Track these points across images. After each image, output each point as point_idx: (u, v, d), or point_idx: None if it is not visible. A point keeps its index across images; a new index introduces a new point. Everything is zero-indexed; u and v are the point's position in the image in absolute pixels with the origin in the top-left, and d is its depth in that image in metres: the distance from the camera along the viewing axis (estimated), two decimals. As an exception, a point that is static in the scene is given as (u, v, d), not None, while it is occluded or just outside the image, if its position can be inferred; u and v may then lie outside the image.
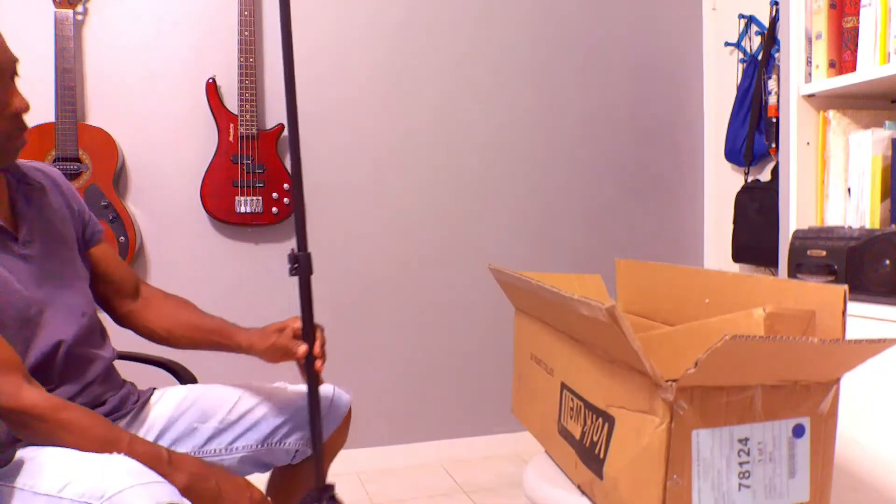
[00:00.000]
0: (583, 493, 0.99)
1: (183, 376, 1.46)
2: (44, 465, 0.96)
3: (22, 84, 2.17)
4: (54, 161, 2.12)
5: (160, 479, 0.93)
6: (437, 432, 2.62)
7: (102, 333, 1.27)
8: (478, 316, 2.65)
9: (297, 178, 1.19)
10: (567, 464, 1.04)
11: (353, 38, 2.48)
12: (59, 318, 1.13)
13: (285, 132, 2.42)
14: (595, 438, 0.92)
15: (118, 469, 0.92)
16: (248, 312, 2.38)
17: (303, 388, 1.27)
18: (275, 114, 2.41)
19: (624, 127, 2.80)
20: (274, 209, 2.33)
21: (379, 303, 2.54)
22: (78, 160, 2.15)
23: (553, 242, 2.73)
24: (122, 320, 1.35)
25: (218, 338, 1.31)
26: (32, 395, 0.98)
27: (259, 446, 1.30)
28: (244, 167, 2.29)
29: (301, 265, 1.19)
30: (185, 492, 0.95)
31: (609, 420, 0.88)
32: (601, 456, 0.89)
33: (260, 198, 2.31)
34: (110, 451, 0.96)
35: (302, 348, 1.21)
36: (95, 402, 1.20)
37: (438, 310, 2.60)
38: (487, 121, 2.64)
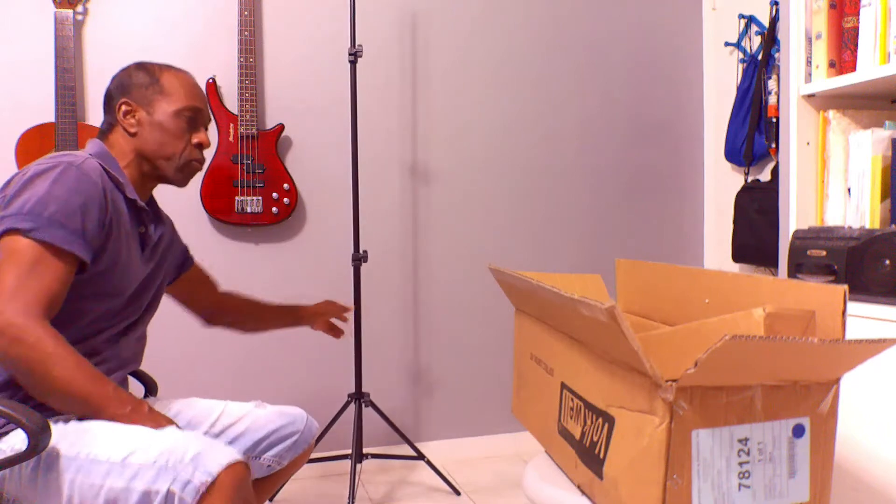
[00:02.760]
0: (583, 493, 0.99)
1: (148, 383, 1.53)
2: (98, 435, 1.05)
3: (22, 84, 2.18)
4: (54, 161, 2.13)
5: (223, 443, 1.05)
6: (438, 432, 2.62)
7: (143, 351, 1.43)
8: (478, 316, 2.65)
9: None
10: (567, 464, 1.04)
11: (360, 37, 2.48)
12: (136, 322, 1.34)
13: (285, 132, 2.42)
14: (595, 438, 0.92)
15: (183, 436, 1.05)
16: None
17: (279, 407, 1.48)
18: (275, 114, 2.41)
19: (624, 127, 2.80)
20: (274, 209, 2.33)
21: (378, 303, 2.54)
22: (78, 160, 2.14)
23: (553, 242, 2.73)
24: (211, 320, 1.61)
25: (290, 319, 1.67)
26: (42, 327, 1.05)
27: None
28: (244, 167, 2.29)
29: (361, 258, 2.22)
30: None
31: (609, 420, 0.88)
32: (601, 456, 0.89)
33: (260, 198, 2.31)
34: (99, 390, 1.07)
35: (349, 310, 1.78)
36: None
37: (438, 310, 2.60)
38: (487, 120, 2.64)
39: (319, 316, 1.72)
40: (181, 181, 1.37)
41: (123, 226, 1.25)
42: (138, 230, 1.32)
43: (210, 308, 1.60)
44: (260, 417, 1.42)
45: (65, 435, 1.07)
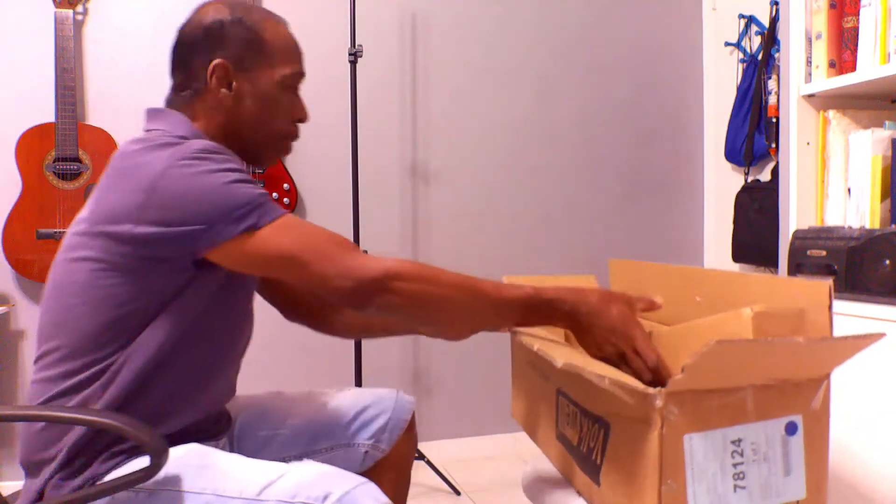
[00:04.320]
0: (581, 496, 0.99)
1: None
2: (225, 469, 0.96)
3: (22, 84, 2.19)
4: (54, 161, 2.13)
5: (367, 479, 0.94)
6: (438, 432, 2.62)
7: None
8: (478, 316, 2.65)
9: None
10: (565, 469, 1.04)
11: (360, 37, 2.48)
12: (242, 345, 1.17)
13: (285, 132, 2.42)
14: (591, 444, 0.91)
15: (327, 471, 0.94)
16: (248, 312, 2.38)
17: (364, 388, 1.30)
18: (275, 114, 2.41)
19: (624, 127, 2.80)
20: (274, 209, 2.33)
21: (379, 303, 2.54)
22: (78, 160, 2.15)
23: (553, 242, 2.73)
24: (287, 310, 1.33)
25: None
26: (392, 262, 0.93)
27: (330, 450, 1.27)
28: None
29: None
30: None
31: (604, 426, 0.88)
32: (598, 462, 0.89)
33: (260, 198, 2.31)
34: (489, 304, 0.94)
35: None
36: (219, 419, 1.18)
37: (438, 310, 2.60)
38: (487, 120, 2.64)
39: None
40: (271, 162, 1.15)
41: None
42: None
43: (287, 296, 1.33)
44: (345, 401, 1.29)
45: (184, 468, 0.96)
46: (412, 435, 1.34)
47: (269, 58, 1.07)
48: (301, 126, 2.44)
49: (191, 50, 1.06)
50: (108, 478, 0.97)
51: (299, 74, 1.11)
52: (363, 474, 1.28)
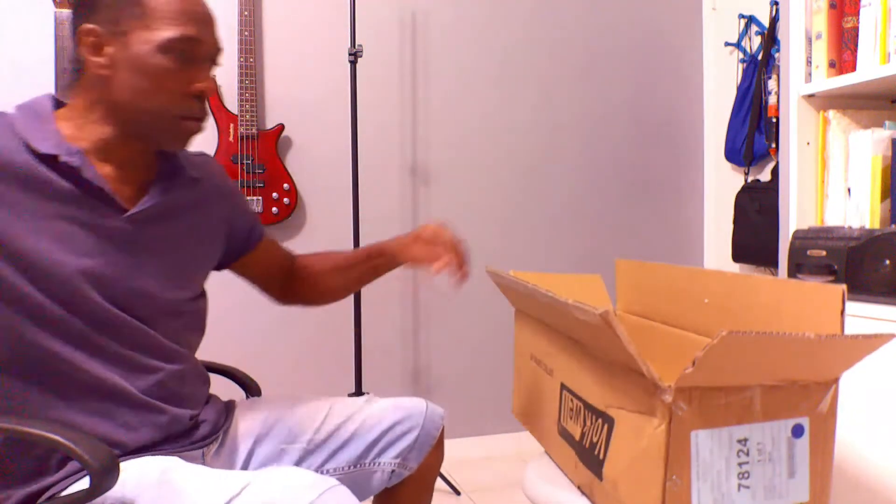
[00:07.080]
0: (582, 493, 0.99)
1: (247, 384, 1.37)
2: (186, 487, 0.88)
3: (22, 84, 2.18)
4: (54, 161, 2.12)
5: (337, 482, 0.88)
6: (438, 432, 2.62)
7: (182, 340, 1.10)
8: (478, 316, 2.65)
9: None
10: (567, 464, 1.04)
11: (360, 37, 2.48)
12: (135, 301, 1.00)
13: (285, 132, 2.42)
14: (595, 439, 0.92)
15: (291, 482, 0.86)
16: (247, 312, 2.38)
17: (393, 400, 1.23)
18: (275, 114, 2.41)
19: (624, 127, 2.80)
20: (274, 209, 2.33)
21: (378, 303, 2.54)
22: (78, 160, 2.15)
23: (553, 242, 2.73)
24: (286, 300, 1.30)
25: (377, 267, 1.24)
26: None
27: (351, 468, 1.18)
28: (244, 167, 2.29)
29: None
30: None
31: (608, 421, 0.88)
32: (601, 457, 0.89)
33: (260, 198, 2.31)
34: None
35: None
36: (181, 422, 1.05)
37: (438, 310, 2.60)
38: (487, 120, 2.64)
39: (418, 246, 1.17)
40: (173, 145, 0.98)
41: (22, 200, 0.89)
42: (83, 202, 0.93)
43: (283, 286, 1.28)
44: (371, 416, 1.19)
45: (139, 487, 0.88)
46: (440, 449, 1.26)
47: (147, 18, 0.90)
48: (301, 126, 2.44)
49: (74, 20, 0.93)
50: (67, 491, 0.91)
51: (190, 39, 0.93)
52: (386, 490, 1.23)
